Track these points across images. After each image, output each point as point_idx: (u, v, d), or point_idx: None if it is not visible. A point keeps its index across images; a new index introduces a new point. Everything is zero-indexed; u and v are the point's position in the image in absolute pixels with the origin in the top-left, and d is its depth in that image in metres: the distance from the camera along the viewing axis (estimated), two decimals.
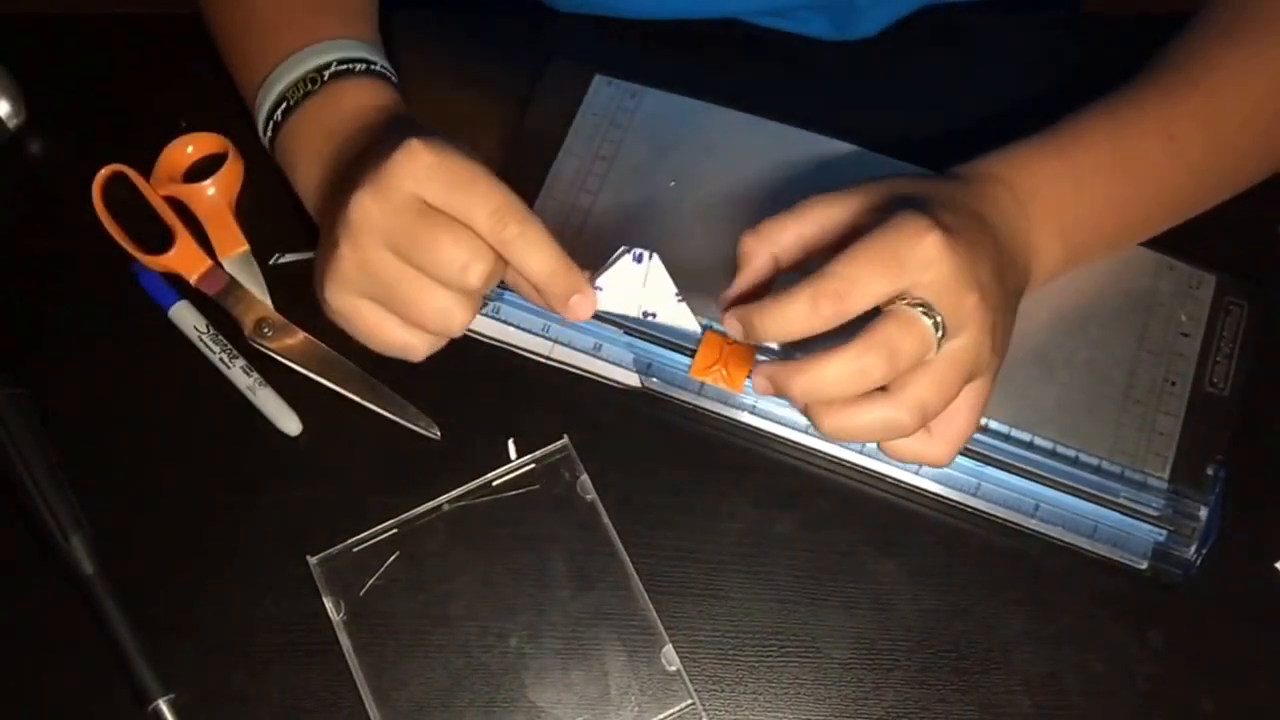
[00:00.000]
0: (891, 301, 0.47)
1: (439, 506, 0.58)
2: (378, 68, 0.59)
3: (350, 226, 0.48)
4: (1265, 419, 0.59)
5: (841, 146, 0.62)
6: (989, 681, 0.56)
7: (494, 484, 0.59)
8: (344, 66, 0.58)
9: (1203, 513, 0.56)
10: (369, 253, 0.49)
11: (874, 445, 0.58)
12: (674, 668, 0.56)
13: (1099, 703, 0.55)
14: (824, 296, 0.46)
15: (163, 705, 0.55)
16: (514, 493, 0.59)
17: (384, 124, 0.56)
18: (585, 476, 0.59)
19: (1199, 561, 0.56)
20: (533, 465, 0.59)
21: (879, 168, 0.61)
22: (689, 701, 0.56)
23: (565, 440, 0.59)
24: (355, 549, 0.58)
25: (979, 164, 0.54)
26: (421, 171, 0.48)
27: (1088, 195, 0.54)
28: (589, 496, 0.58)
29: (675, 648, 0.56)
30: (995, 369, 0.50)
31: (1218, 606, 0.57)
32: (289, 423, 0.60)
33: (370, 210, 0.48)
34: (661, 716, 0.55)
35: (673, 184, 0.62)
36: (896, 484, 0.58)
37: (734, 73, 0.67)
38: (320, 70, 0.58)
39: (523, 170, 0.63)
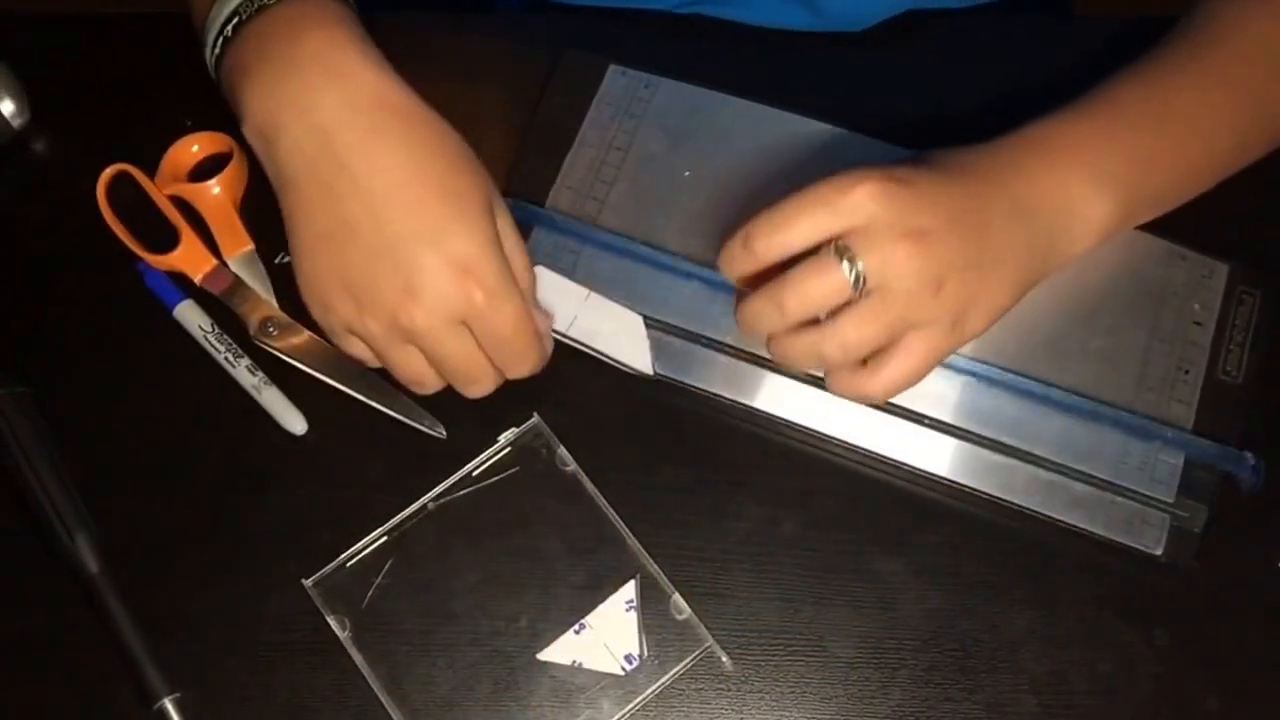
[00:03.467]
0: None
1: (424, 507, 0.58)
2: None
3: (398, 324, 0.52)
4: (1278, 407, 0.59)
5: (857, 137, 0.62)
6: (995, 681, 0.56)
7: (474, 474, 0.59)
8: None
9: (1215, 498, 0.56)
10: (395, 335, 0.53)
11: (891, 433, 0.58)
12: (684, 615, 0.56)
13: (1105, 702, 0.55)
14: (755, 237, 0.51)
15: (168, 704, 0.55)
16: (495, 478, 0.59)
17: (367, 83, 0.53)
18: (562, 449, 0.59)
19: (1213, 547, 0.56)
20: (508, 448, 0.59)
21: (895, 159, 0.61)
22: (706, 644, 0.56)
23: (536, 418, 0.59)
24: (348, 564, 0.58)
25: (1010, 134, 0.55)
26: (474, 309, 0.52)
27: (1125, 147, 0.55)
28: (569, 468, 0.59)
29: None
30: (948, 323, 0.51)
31: (1223, 605, 0.57)
32: (294, 422, 0.60)
33: (417, 321, 0.52)
34: (683, 664, 0.56)
35: (688, 174, 0.62)
36: (912, 471, 0.58)
37: (745, 66, 0.67)
38: None
39: (538, 160, 0.63)
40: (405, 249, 0.51)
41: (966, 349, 0.56)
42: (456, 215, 0.52)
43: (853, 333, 0.51)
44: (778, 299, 0.51)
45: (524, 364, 0.56)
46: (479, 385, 0.56)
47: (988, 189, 0.53)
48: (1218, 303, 0.59)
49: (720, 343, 0.59)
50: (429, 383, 0.56)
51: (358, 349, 0.56)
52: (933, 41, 0.68)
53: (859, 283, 0.50)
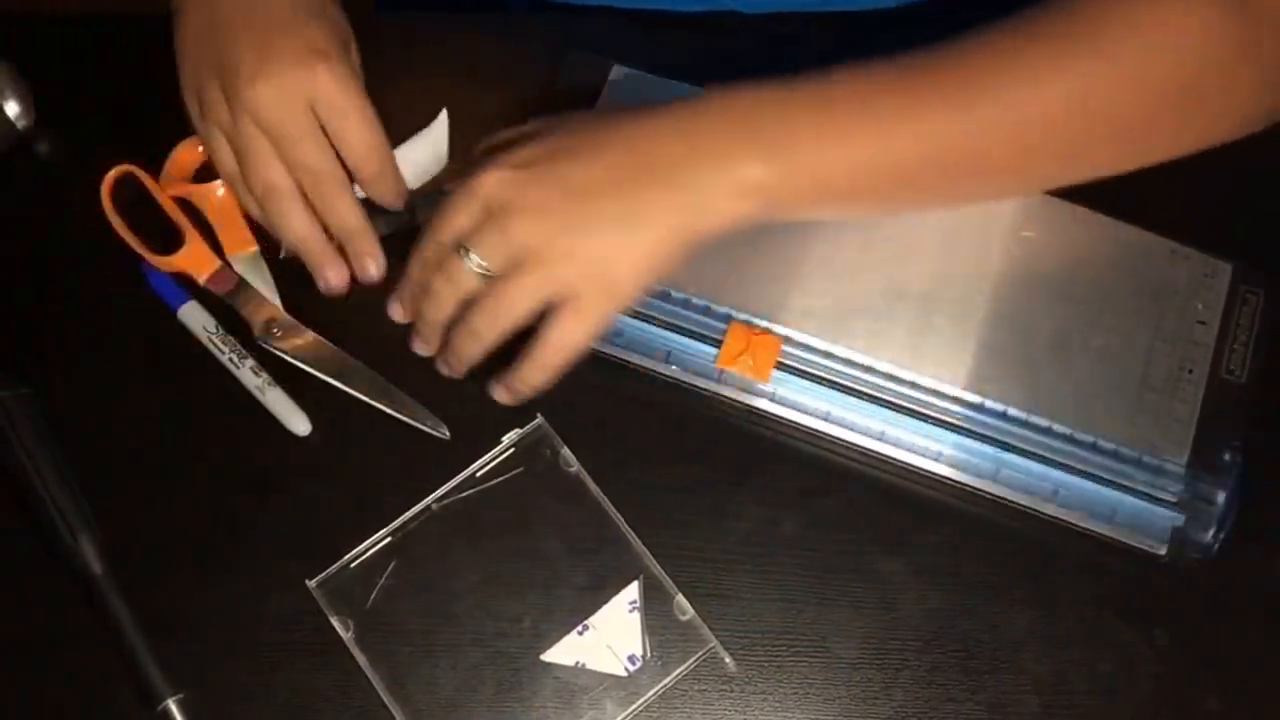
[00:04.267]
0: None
1: (428, 508, 0.58)
2: None
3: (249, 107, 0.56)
4: None
5: None
6: (997, 681, 0.56)
7: (478, 475, 0.59)
8: None
9: (1220, 496, 0.56)
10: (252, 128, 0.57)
11: (892, 432, 0.58)
12: (687, 617, 0.56)
13: (1105, 702, 0.56)
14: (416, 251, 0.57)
15: (172, 705, 0.55)
16: (499, 479, 0.59)
17: None
18: (566, 450, 0.59)
19: (1217, 546, 0.56)
20: (512, 449, 0.59)
21: None
22: (710, 645, 0.56)
23: (539, 419, 0.59)
24: (352, 565, 0.58)
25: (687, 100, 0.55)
26: (321, 90, 0.57)
27: (802, 123, 0.53)
28: (572, 469, 0.59)
29: None
30: (591, 284, 0.53)
31: (1223, 605, 0.57)
32: (298, 423, 0.60)
33: (264, 95, 0.56)
34: (686, 665, 0.56)
35: None
36: (912, 471, 0.58)
37: (748, 66, 0.67)
38: None
39: None
40: (265, 33, 0.57)
41: (968, 392, 0.56)
42: (319, 17, 0.58)
43: (504, 299, 0.54)
44: (421, 308, 0.57)
45: (373, 168, 0.59)
46: (334, 197, 0.59)
47: (624, 155, 0.54)
48: (1221, 302, 0.60)
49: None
50: (282, 186, 0.58)
51: (221, 150, 0.59)
52: (934, 41, 0.68)
53: (478, 266, 0.54)
